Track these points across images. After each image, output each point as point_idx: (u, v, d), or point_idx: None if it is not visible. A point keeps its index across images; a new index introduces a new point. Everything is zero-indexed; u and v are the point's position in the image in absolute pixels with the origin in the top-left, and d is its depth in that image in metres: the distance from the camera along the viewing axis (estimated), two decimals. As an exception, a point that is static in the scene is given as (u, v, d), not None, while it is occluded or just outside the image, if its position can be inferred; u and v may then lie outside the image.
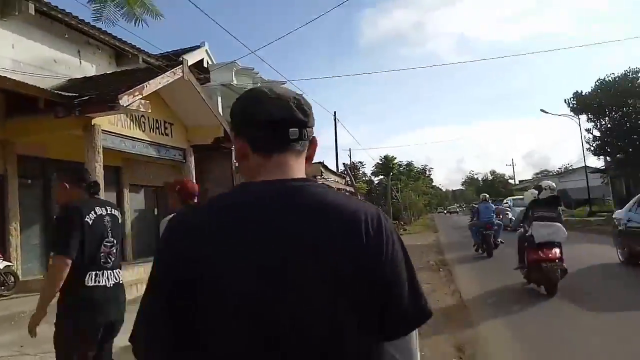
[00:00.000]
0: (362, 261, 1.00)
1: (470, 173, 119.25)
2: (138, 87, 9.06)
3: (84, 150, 9.05)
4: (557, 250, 7.24)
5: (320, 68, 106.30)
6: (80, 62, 12.08)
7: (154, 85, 9.67)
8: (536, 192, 8.02)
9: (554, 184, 8.15)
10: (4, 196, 9.34)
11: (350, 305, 0.98)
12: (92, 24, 11.67)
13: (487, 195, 15.10)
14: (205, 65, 18.03)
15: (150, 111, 9.38)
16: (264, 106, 1.08)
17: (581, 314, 6.19)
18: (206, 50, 18.56)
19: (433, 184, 78.69)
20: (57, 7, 10.50)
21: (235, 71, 18.65)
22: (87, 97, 8.57)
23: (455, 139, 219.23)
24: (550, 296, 7.06)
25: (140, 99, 9.07)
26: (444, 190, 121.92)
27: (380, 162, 46.44)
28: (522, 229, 8.09)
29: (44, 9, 10.21)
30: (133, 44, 13.39)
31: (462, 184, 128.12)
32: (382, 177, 48.28)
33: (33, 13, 9.76)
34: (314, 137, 1.15)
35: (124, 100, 8.56)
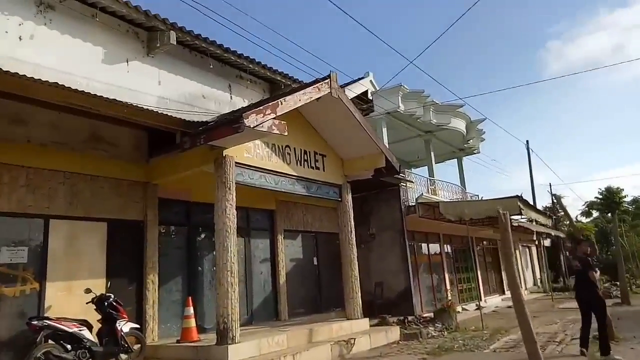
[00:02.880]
0: None
1: None
2: (269, 104, 7.21)
3: (215, 184, 7.49)
4: None
5: (504, 101, 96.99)
6: (231, 97, 11.18)
7: (291, 102, 7.76)
8: None
9: None
10: (143, 245, 8.35)
11: None
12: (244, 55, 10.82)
13: None
14: (369, 96, 16.08)
15: (286, 133, 7.42)
16: None
17: None
18: (370, 81, 16.66)
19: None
20: (200, 35, 9.70)
21: (402, 96, 16.18)
22: (211, 122, 7.01)
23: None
24: None
25: (274, 118, 7.15)
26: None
27: (600, 197, 37.10)
28: None
29: (187, 38, 9.48)
30: (287, 73, 12.16)
31: None
32: (595, 216, 38.84)
33: (175, 43, 9.03)
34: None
35: (251, 120, 6.74)
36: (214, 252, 9.75)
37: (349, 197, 10.54)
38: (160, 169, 8.55)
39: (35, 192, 6.99)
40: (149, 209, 8.53)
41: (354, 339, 8.36)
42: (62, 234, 7.26)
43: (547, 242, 27.29)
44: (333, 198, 10.34)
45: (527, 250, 26.74)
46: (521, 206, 11.82)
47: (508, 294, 20.54)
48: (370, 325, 9.86)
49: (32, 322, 5.91)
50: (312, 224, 12.67)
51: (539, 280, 26.92)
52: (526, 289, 23.07)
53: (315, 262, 12.57)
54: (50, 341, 6.10)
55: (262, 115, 6.97)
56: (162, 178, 8.56)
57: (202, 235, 9.68)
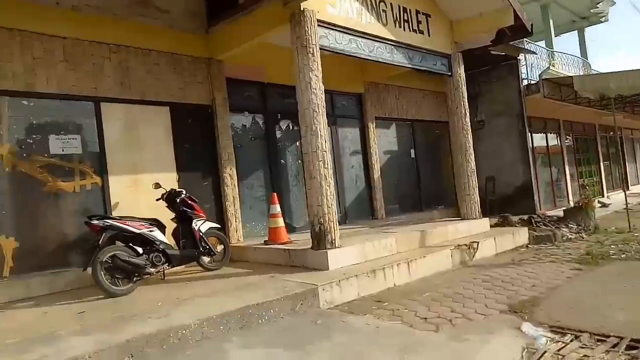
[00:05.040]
0: None
1: None
2: None
3: (293, 50, 5.67)
4: None
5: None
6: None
7: None
8: None
9: None
10: (215, 134, 6.99)
11: None
12: None
13: None
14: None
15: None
16: None
17: None
18: None
19: None
20: None
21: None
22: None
23: None
24: None
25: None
26: None
27: None
28: None
29: None
30: None
31: None
32: None
33: None
34: None
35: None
36: (297, 143, 8.35)
37: (461, 71, 8.24)
38: (223, 40, 6.84)
39: (77, 68, 5.65)
40: (217, 90, 7.01)
41: (477, 242, 6.69)
42: (118, 120, 6.01)
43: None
44: (441, 72, 8.11)
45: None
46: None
47: (633, 189, 17.56)
48: (490, 226, 8.10)
49: (92, 222, 4.86)
50: (407, 111, 10.64)
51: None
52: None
53: (413, 155, 10.74)
54: (118, 243, 5.10)
55: None
56: (226, 52, 6.87)
57: (282, 123, 8.13)
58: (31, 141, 5.28)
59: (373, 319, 4.24)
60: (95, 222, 4.86)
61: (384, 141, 10.00)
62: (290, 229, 7.47)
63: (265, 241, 6.67)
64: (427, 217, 9.48)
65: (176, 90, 6.58)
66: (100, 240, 4.74)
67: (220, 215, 6.92)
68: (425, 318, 4.15)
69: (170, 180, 6.31)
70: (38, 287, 5.11)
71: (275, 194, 6.79)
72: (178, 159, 6.56)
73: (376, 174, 9.47)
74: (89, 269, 4.68)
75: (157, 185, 5.80)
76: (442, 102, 11.54)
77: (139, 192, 6.08)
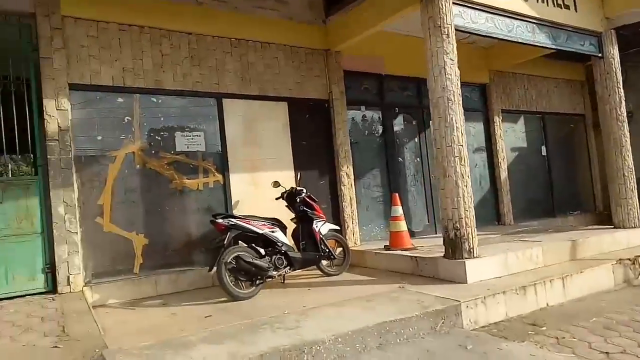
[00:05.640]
0: None
1: None
2: None
3: (425, 32, 5.05)
4: None
5: None
6: None
7: None
8: None
9: None
10: (331, 130, 6.62)
11: None
12: None
13: None
14: None
15: None
16: None
17: None
18: None
19: None
20: None
21: None
22: None
23: None
24: None
25: None
26: None
27: None
28: None
29: None
30: None
31: None
32: None
33: None
34: None
35: None
36: (416, 139, 7.70)
37: (614, 51, 6.95)
38: (341, 29, 6.43)
39: (201, 64, 5.60)
40: (334, 84, 6.63)
41: (645, 256, 5.50)
42: (239, 116, 5.88)
43: None
44: (590, 53, 6.91)
45: None
46: None
47: None
48: (655, 237, 6.72)
49: (218, 221, 4.71)
50: (537, 102, 9.42)
51: None
52: None
53: (544, 152, 9.48)
54: (240, 243, 4.91)
55: None
56: (344, 42, 6.44)
57: (400, 118, 7.53)
58: (159, 138, 5.31)
59: (535, 348, 3.48)
60: (220, 220, 4.70)
61: (510, 137, 8.92)
62: (410, 233, 6.84)
63: (385, 246, 6.13)
64: (564, 224, 8.25)
65: (294, 85, 6.31)
66: (226, 240, 4.56)
67: (336, 217, 6.53)
68: (607, 353, 3.30)
69: (287, 178, 6.05)
70: (165, 285, 5.10)
71: (396, 194, 6.23)
72: (295, 156, 6.28)
73: (503, 173, 8.45)
74: (214, 270, 4.51)
75: (277, 184, 5.55)
76: (577, 92, 10.11)
77: (258, 191, 5.90)
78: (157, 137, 5.30)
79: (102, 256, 4.88)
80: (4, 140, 4.46)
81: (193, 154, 5.51)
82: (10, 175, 4.49)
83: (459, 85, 5.01)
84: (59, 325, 3.69)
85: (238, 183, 5.77)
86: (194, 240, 5.45)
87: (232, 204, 5.71)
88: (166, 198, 5.31)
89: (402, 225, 6.01)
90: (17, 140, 4.50)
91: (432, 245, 6.10)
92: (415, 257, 5.37)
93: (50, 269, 4.52)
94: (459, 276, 4.72)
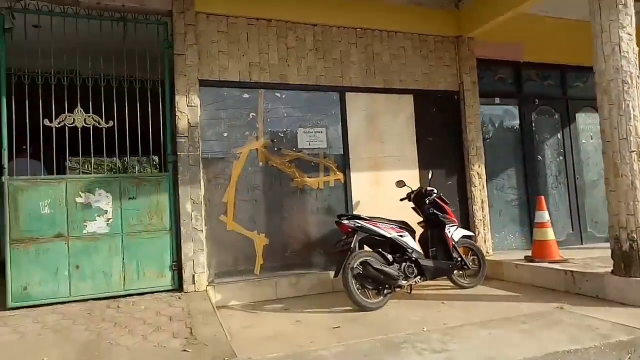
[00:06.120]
0: None
1: None
2: None
3: (592, 3, 4.18)
4: None
5: None
6: None
7: None
8: None
9: None
10: (460, 124, 5.94)
11: None
12: None
13: None
14: None
15: None
16: None
17: None
18: None
19: None
20: None
21: None
22: None
23: None
24: None
25: None
26: None
27: None
28: None
29: None
30: None
31: None
32: None
33: None
34: None
35: None
36: (558, 135, 6.66)
37: None
38: (475, 13, 5.72)
39: (325, 56, 5.30)
40: (465, 74, 5.94)
41: None
42: (362, 111, 5.47)
43: None
44: None
45: None
46: None
47: None
48: None
49: (343, 222, 4.34)
50: None
51: None
52: None
53: None
54: (365, 247, 4.50)
55: None
56: (478, 27, 5.72)
57: (539, 111, 6.55)
58: (282, 135, 5.12)
59: None
60: (345, 221, 4.32)
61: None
62: (555, 243, 5.89)
63: (526, 256, 5.30)
64: None
65: (421, 76, 5.75)
66: (352, 243, 4.16)
67: (465, 221, 5.82)
68: None
69: (411, 177, 5.51)
70: (285, 288, 4.87)
71: (542, 197, 5.35)
72: (420, 154, 5.72)
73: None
74: (340, 276, 4.14)
75: (402, 183, 5.04)
76: None
77: (379, 190, 5.44)
78: (279, 134, 5.11)
79: (225, 255, 4.79)
80: (139, 138, 4.56)
81: (314, 151, 5.23)
82: (144, 172, 4.57)
83: (638, 65, 4.06)
84: (186, 327, 3.58)
85: (359, 182, 5.36)
86: (313, 241, 5.16)
87: (353, 204, 5.32)
88: (287, 197, 5.09)
89: (549, 234, 5.13)
90: (150, 138, 4.58)
91: (585, 258, 5.15)
92: (572, 271, 4.49)
93: (177, 267, 4.51)
94: (635, 299, 3.79)
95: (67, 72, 4.29)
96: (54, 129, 4.23)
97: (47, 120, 4.18)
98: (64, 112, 4.26)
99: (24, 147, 4.07)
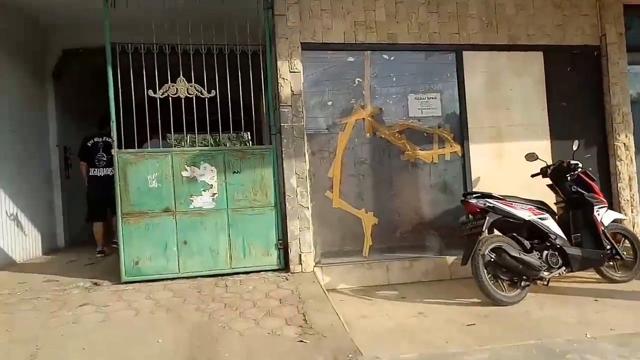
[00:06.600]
0: None
1: None
2: None
3: None
4: None
5: None
6: None
7: None
8: None
9: None
10: (601, 86, 4.96)
11: None
12: None
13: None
14: None
15: None
16: None
17: None
18: None
19: None
20: None
21: None
22: None
23: None
24: None
25: None
26: None
27: None
28: None
29: None
30: None
31: None
32: None
33: None
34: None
35: None
36: None
37: None
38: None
39: (439, 10, 4.60)
40: (608, 24, 4.92)
41: None
42: (481, 72, 4.73)
43: None
44: None
45: None
46: None
47: None
48: None
49: (471, 201, 3.73)
50: None
51: None
52: None
53: None
54: (495, 231, 3.86)
55: None
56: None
57: None
58: (390, 102, 4.56)
59: None
60: (473, 201, 3.71)
61: None
62: None
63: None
64: None
65: (553, 29, 4.85)
66: (484, 226, 3.55)
67: (608, 202, 4.88)
68: None
69: (540, 150, 4.65)
70: (396, 273, 4.39)
71: None
72: (552, 121, 4.86)
73: None
74: (469, 263, 3.56)
75: (533, 157, 4.28)
76: None
77: (503, 165, 4.71)
78: (388, 101, 4.55)
79: (331, 235, 4.41)
80: (242, 109, 4.26)
81: (427, 120, 4.61)
82: (248, 144, 4.29)
83: None
84: (299, 312, 3.25)
85: (479, 155, 4.67)
86: (427, 222, 4.60)
87: (472, 180, 4.65)
88: (396, 172, 4.56)
89: None
90: (252, 109, 4.27)
91: None
92: None
93: (283, 245, 4.22)
94: None
95: (168, 45, 4.08)
96: (158, 100, 4.06)
97: (151, 90, 4.02)
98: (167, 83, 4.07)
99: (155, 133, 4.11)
